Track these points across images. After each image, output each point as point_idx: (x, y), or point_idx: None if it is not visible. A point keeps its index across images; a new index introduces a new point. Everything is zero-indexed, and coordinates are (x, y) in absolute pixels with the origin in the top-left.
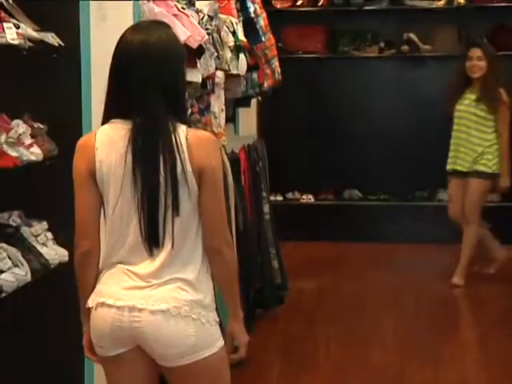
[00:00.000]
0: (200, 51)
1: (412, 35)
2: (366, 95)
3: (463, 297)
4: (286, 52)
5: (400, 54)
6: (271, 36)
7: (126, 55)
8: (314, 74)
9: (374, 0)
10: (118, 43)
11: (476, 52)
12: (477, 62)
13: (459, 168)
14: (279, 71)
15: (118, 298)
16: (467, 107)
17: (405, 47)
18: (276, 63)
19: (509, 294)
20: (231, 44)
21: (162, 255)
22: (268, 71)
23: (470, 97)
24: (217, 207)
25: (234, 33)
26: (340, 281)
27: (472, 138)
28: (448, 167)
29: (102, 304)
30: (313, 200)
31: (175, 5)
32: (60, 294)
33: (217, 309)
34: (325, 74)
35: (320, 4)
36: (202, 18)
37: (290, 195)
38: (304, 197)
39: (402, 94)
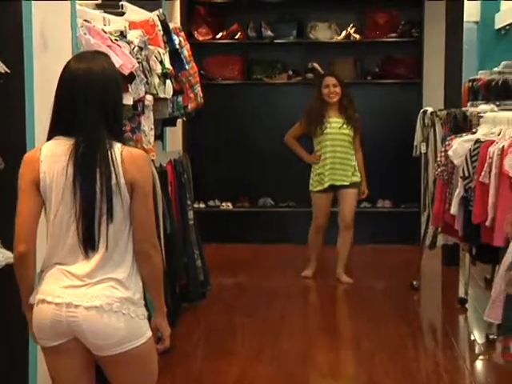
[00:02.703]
0: (131, 77)
1: (315, 64)
2: (276, 116)
3: (357, 290)
4: (207, 78)
5: (305, 81)
6: (194, 64)
7: (70, 81)
8: (232, 98)
9: (283, 34)
10: (63, 70)
11: (332, 80)
12: (333, 89)
13: (339, 183)
14: (201, 95)
15: (56, 295)
16: (340, 130)
17: (309, 75)
18: (198, 88)
19: (395, 288)
20: (159, 71)
21: (97, 257)
22: (191, 95)
23: (337, 120)
24: (146, 215)
25: (161, 62)
26: (255, 277)
27: (347, 155)
28: (324, 186)
29: (43, 301)
30: (231, 207)
31: (109, 37)
32: (8, 294)
33: (146, 304)
34: (241, 98)
35: (237, 37)
36: (133, 49)
37: (211, 203)
38: (223, 204)
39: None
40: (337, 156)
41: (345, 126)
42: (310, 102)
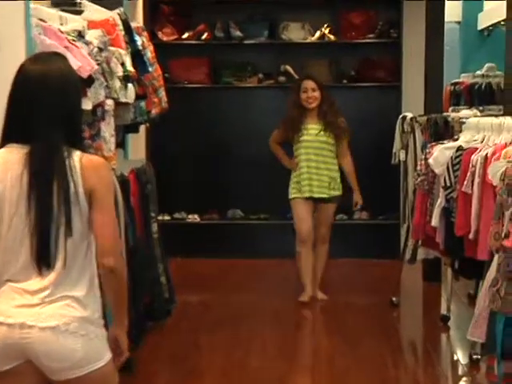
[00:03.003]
0: (90, 81)
1: (288, 67)
2: (246, 122)
3: (333, 307)
4: (172, 82)
5: (277, 84)
6: (158, 67)
7: (25, 84)
8: (199, 103)
9: (253, 34)
10: (17, 73)
11: (310, 84)
12: (312, 93)
13: (317, 195)
14: (166, 100)
15: (8, 315)
16: (317, 137)
17: (281, 78)
18: (163, 92)
19: (374, 304)
20: (120, 74)
21: (53, 274)
22: (155, 100)
23: (314, 127)
24: (109, 225)
25: (122, 64)
26: (223, 294)
27: (327, 165)
28: (303, 195)
29: None
30: (198, 219)
31: (66, 37)
32: None
33: (106, 324)
34: (208, 103)
35: (203, 38)
36: (92, 50)
37: (177, 215)
38: (190, 216)
39: (278, 120)
40: (312, 166)
41: (322, 132)
42: (288, 108)
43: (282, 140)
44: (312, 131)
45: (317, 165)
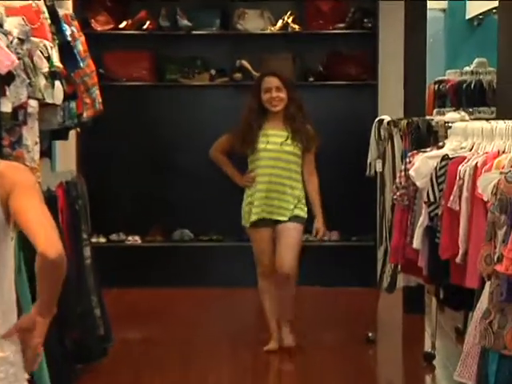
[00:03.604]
0: (9, 78)
1: (244, 62)
2: (196, 126)
3: (300, 344)
4: (108, 79)
5: (232, 82)
6: (91, 62)
7: None
8: (140, 104)
9: (203, 23)
10: None
11: (274, 81)
12: (277, 93)
13: (276, 217)
14: (100, 100)
15: None
16: (282, 147)
17: (237, 75)
18: (97, 91)
19: (346, 341)
20: (45, 70)
21: None
22: (87, 100)
23: (279, 134)
24: (41, 216)
25: (48, 58)
26: (169, 329)
27: (291, 181)
28: (260, 216)
29: None
30: (140, 242)
31: None
32: None
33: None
34: (152, 104)
35: (145, 27)
36: (12, 42)
37: (114, 237)
38: (130, 238)
39: (235, 124)
40: (273, 181)
41: (289, 141)
42: (243, 112)
43: (229, 149)
44: (275, 139)
45: (280, 181)
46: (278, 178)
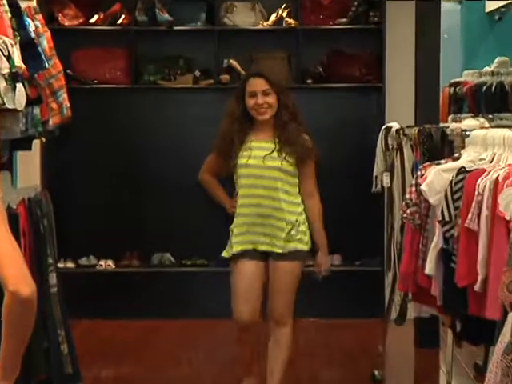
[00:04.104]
0: None
1: (233, 62)
2: (178, 135)
3: None
4: (77, 81)
5: (219, 85)
6: (57, 61)
7: None
8: (114, 109)
9: (186, 18)
10: None
11: (260, 83)
12: (264, 99)
13: (264, 248)
14: (68, 105)
15: None
16: (264, 162)
17: (224, 76)
18: (64, 95)
19: (350, 381)
20: (6, 71)
21: None
22: (54, 105)
23: (265, 146)
24: (9, 250)
25: (8, 57)
26: (147, 367)
27: (282, 204)
28: (244, 247)
29: None
30: (113, 267)
31: None
32: None
33: None
34: (127, 109)
35: (119, 22)
36: None
37: (84, 261)
38: (102, 263)
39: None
40: (256, 203)
41: (274, 154)
42: (223, 122)
43: (218, 170)
44: (258, 153)
45: (265, 202)
46: (262, 200)
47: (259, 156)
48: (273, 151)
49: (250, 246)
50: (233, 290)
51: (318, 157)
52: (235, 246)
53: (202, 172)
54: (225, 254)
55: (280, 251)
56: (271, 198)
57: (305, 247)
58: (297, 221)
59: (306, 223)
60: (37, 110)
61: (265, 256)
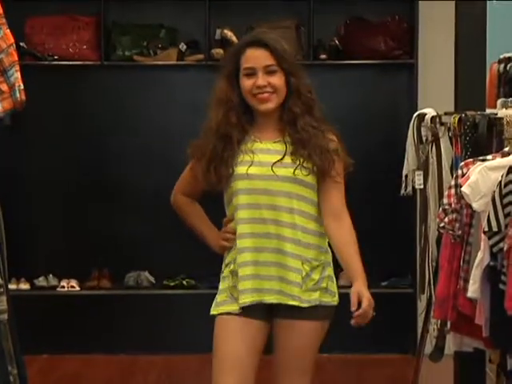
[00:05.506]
0: None
1: (228, 32)
2: (159, 125)
3: None
4: (32, 57)
5: (210, 61)
6: (8, 32)
7: None
8: (79, 92)
9: None
10: None
11: (262, 57)
12: (267, 79)
13: (271, 300)
14: (22, 87)
15: None
16: (286, 171)
17: (217, 50)
18: (17, 74)
19: None
20: None
21: None
22: (3, 87)
23: (272, 149)
24: None
25: None
26: None
27: (294, 231)
28: (242, 301)
29: None
30: (78, 288)
31: None
32: None
33: None
34: (95, 92)
35: None
36: None
37: (41, 281)
38: (64, 283)
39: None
40: (270, 232)
41: (288, 159)
42: (209, 113)
43: (199, 187)
44: (264, 158)
45: (276, 231)
46: (273, 227)
47: (266, 162)
48: (284, 155)
49: (252, 296)
50: (213, 363)
51: (350, 165)
52: (243, 296)
53: (176, 191)
54: (214, 309)
55: (295, 303)
56: (282, 224)
57: (331, 300)
58: (321, 260)
59: (330, 261)
60: None
61: (268, 312)
